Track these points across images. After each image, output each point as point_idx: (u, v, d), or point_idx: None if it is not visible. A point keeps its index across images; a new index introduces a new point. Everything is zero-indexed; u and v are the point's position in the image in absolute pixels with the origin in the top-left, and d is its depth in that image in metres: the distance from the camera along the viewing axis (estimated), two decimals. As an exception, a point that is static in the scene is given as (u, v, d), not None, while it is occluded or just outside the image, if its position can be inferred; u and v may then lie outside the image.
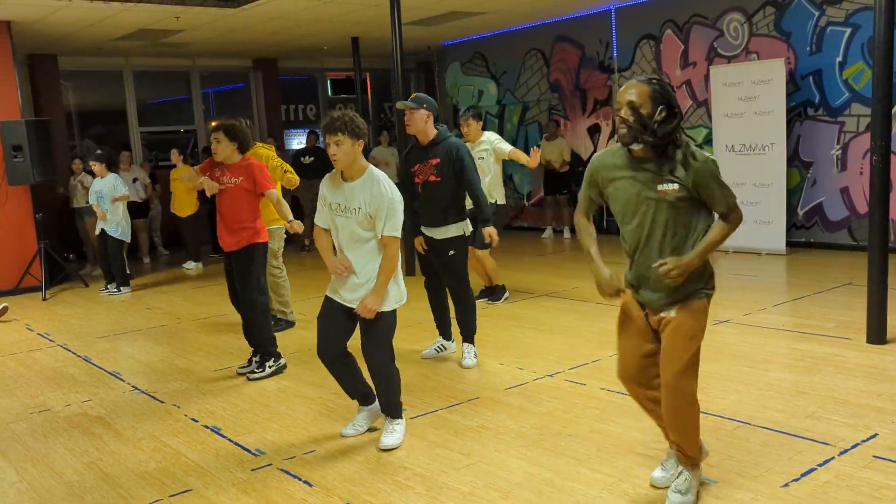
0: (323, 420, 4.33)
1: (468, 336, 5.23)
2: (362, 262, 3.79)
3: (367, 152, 13.98)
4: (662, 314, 3.02)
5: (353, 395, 4.08)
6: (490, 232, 5.28)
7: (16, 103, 9.04)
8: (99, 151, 9.11)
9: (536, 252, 10.15)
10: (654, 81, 2.91)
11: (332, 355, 3.90)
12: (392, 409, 3.90)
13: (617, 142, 3.00)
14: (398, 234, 3.73)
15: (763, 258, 8.63)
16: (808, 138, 8.83)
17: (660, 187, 2.91)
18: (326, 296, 3.95)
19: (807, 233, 8.98)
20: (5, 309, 7.64)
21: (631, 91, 2.90)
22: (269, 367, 5.19)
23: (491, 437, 3.93)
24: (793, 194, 8.94)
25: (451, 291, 5.18)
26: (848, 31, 8.38)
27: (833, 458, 3.46)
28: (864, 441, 3.61)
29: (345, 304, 3.84)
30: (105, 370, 5.65)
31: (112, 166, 8.93)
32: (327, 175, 3.89)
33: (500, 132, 12.45)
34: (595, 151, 11.11)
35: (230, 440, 4.10)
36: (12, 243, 8.96)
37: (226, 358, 5.75)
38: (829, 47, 8.55)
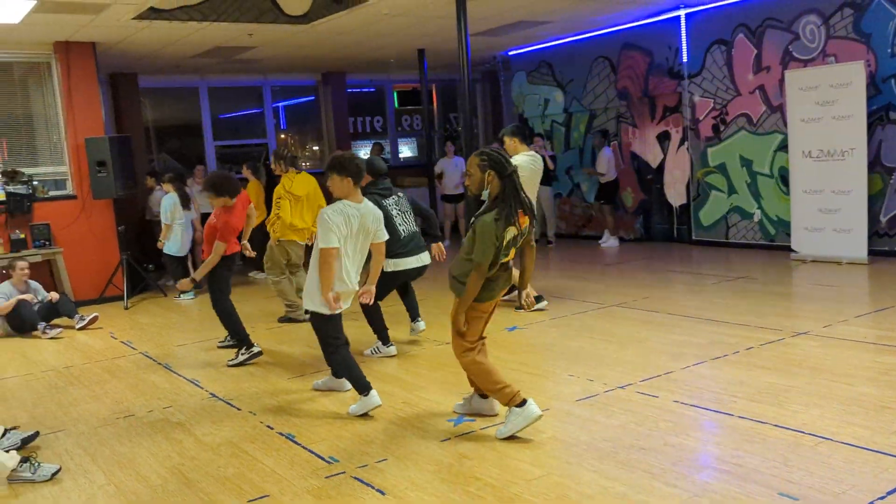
0: (394, 429, 4.38)
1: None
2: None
3: (430, 165, 13.80)
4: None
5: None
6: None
7: (100, 121, 9.45)
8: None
9: (603, 261, 10.05)
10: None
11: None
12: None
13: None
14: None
15: (844, 267, 8.34)
16: (890, 143, 8.50)
17: None
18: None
19: (890, 241, 8.64)
20: (95, 318, 7.98)
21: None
22: (242, 354, 6.04)
23: (562, 448, 3.91)
24: (874, 201, 8.61)
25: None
26: (932, 30, 8.05)
27: (922, 476, 3.32)
28: (956, 459, 3.46)
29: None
30: (184, 377, 5.84)
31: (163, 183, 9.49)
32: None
33: (567, 141, 12.44)
34: (665, 159, 10.98)
35: (304, 447, 4.19)
36: (97, 255, 9.36)
37: (298, 366, 5.87)
38: (911, 48, 8.23)
